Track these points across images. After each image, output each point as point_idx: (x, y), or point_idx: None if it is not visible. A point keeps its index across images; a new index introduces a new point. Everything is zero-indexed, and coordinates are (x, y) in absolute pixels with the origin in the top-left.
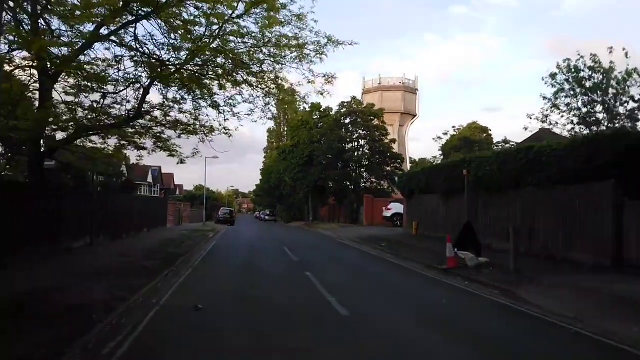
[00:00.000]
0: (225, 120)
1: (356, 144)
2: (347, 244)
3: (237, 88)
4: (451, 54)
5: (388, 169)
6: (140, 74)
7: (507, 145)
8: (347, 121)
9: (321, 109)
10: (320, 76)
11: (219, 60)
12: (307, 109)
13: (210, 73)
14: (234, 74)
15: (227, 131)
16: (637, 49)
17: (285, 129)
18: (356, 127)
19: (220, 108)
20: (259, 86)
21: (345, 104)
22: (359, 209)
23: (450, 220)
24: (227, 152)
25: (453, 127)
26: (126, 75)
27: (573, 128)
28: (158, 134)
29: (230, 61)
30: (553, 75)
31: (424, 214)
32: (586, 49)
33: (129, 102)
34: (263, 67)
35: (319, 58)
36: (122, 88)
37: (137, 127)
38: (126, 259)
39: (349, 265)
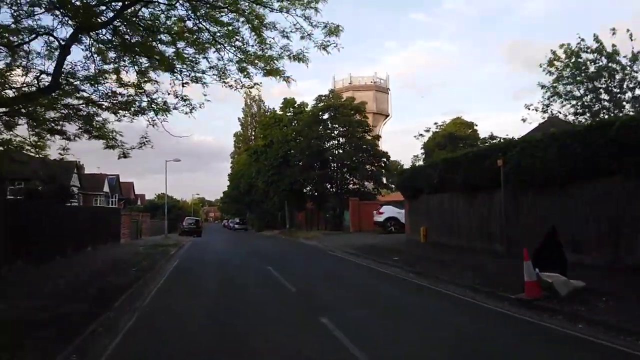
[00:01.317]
0: (182, 85)
1: (336, 141)
2: (344, 258)
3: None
4: (411, 59)
5: (372, 168)
6: (56, 25)
7: (495, 141)
8: (326, 117)
9: (295, 105)
10: (321, 26)
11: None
12: (280, 105)
13: (162, 29)
14: (197, 31)
15: (187, 103)
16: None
17: (253, 130)
18: (336, 123)
19: (176, 69)
20: (231, 42)
21: (323, 98)
22: (342, 213)
23: (475, 224)
24: (191, 160)
25: (435, 123)
26: (35, 25)
27: (577, 117)
28: (88, 115)
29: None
30: (551, 62)
31: (435, 218)
32: (541, 53)
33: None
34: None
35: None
36: (28, 45)
37: (57, 106)
38: (27, 304)
39: (372, 296)
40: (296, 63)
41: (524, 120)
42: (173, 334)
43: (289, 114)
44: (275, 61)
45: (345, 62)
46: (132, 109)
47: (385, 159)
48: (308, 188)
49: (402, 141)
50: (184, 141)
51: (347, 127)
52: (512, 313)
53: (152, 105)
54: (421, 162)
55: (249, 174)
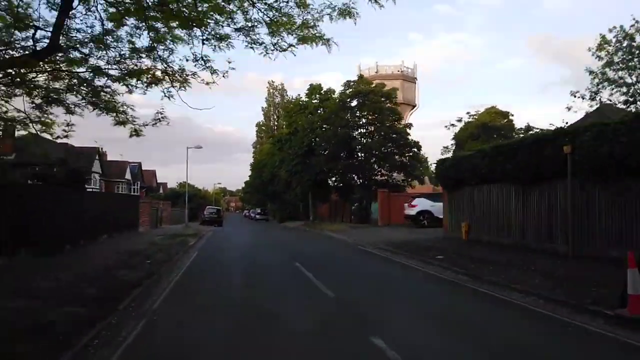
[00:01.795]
0: (203, 42)
1: (364, 130)
2: (380, 255)
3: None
4: (435, 52)
5: (402, 159)
6: None
7: (531, 132)
8: (354, 104)
9: (322, 91)
10: None
11: None
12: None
13: None
14: None
15: (208, 66)
16: None
17: (276, 120)
18: (364, 110)
19: (193, 28)
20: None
21: (352, 83)
22: (368, 206)
23: (530, 220)
24: (214, 150)
25: (468, 113)
26: None
27: (628, 106)
28: (93, 85)
29: None
30: (600, 46)
31: (480, 212)
32: (567, 47)
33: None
34: None
35: None
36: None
37: (58, 73)
38: (11, 305)
39: (427, 306)
40: (339, 23)
41: (568, 108)
42: (190, 351)
43: (315, 100)
44: (311, 28)
45: (367, 54)
46: (145, 77)
47: (416, 149)
48: (333, 179)
49: (425, 134)
50: (206, 132)
51: (376, 115)
52: (614, 335)
53: (168, 71)
54: (450, 154)
55: (272, 163)
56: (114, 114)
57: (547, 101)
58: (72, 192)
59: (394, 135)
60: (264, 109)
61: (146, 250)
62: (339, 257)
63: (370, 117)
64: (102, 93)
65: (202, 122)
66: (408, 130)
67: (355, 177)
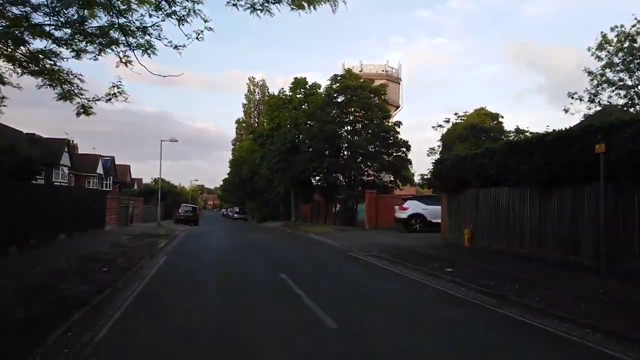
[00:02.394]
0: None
1: (350, 127)
2: (377, 265)
3: None
4: (415, 56)
5: (390, 159)
6: None
7: (522, 136)
8: (341, 99)
9: (307, 85)
10: None
11: None
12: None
13: None
14: None
15: (177, 17)
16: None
17: (257, 118)
18: (352, 107)
19: None
20: None
21: (339, 77)
22: (354, 207)
23: (550, 228)
24: (192, 147)
25: (455, 114)
26: None
27: (627, 109)
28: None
29: None
30: (601, 46)
31: (486, 217)
32: (543, 55)
33: None
34: None
35: None
36: None
37: None
38: None
39: (455, 339)
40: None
41: (566, 110)
42: None
43: (299, 95)
44: None
45: (349, 56)
46: (96, 37)
47: (404, 149)
48: (317, 178)
49: (406, 136)
50: (184, 128)
51: (364, 112)
52: None
53: (125, 28)
54: (437, 156)
55: (252, 160)
56: (58, 84)
57: (523, 108)
58: (21, 184)
59: (382, 134)
60: (244, 105)
61: (107, 254)
62: (331, 267)
63: (357, 114)
64: (43, 58)
65: (180, 118)
66: (397, 128)
67: (341, 177)
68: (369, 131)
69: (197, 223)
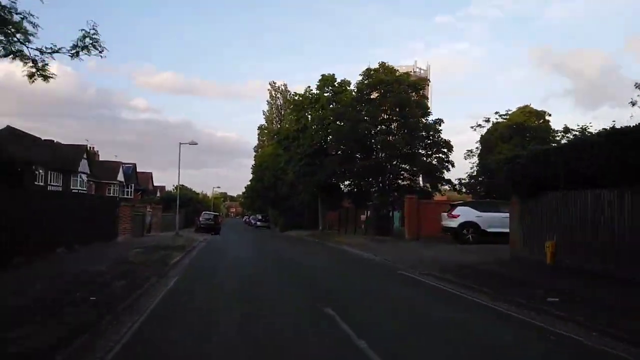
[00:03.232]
0: None
1: (385, 126)
2: (442, 288)
3: None
4: (436, 62)
5: (429, 160)
6: None
7: (570, 136)
8: (374, 95)
9: (335, 83)
10: None
11: None
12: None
13: None
14: None
15: None
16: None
17: (279, 121)
18: (386, 104)
19: None
20: None
21: (372, 72)
22: (389, 214)
23: None
24: (214, 156)
25: (496, 112)
26: None
27: None
28: None
29: None
30: None
31: (572, 227)
32: (569, 57)
33: None
34: None
35: None
36: None
37: None
38: None
39: None
40: None
41: (633, 103)
42: None
43: (327, 93)
44: None
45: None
46: None
47: (446, 149)
48: (346, 183)
49: None
50: (206, 137)
51: (400, 109)
52: None
53: None
54: (475, 158)
55: (275, 166)
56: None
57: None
58: (5, 189)
59: (421, 133)
60: (265, 112)
61: (104, 275)
62: (388, 295)
63: (392, 112)
64: None
65: (202, 127)
66: (439, 127)
67: (373, 181)
68: (405, 130)
69: (218, 232)
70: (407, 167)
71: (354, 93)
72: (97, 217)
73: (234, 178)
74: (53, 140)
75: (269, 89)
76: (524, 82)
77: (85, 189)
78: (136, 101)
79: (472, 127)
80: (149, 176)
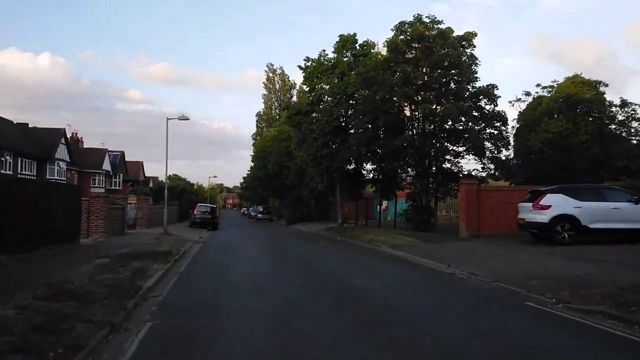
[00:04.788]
0: None
1: (428, 93)
2: None
3: None
4: None
5: (484, 136)
6: None
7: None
8: (411, 55)
9: (357, 45)
10: None
11: None
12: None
13: None
14: None
15: None
16: (618, 48)
17: (277, 106)
18: (428, 64)
19: None
20: None
21: (407, 24)
22: (428, 206)
23: None
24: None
25: (538, 85)
26: None
27: None
28: None
29: None
30: None
31: None
32: (565, 47)
33: None
34: None
35: None
36: None
37: None
38: None
39: None
40: None
41: None
42: None
43: (346, 56)
44: None
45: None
46: None
47: (501, 124)
48: (369, 167)
49: None
50: (202, 128)
51: (447, 70)
52: None
53: None
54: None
55: (280, 150)
56: None
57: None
58: None
59: (477, 103)
60: (264, 96)
61: None
62: None
63: (438, 74)
64: None
65: (198, 119)
66: (494, 91)
67: (412, 163)
68: (453, 97)
69: (216, 227)
70: (459, 145)
71: (380, 56)
72: (49, 211)
73: (230, 169)
74: (27, 124)
75: (265, 71)
76: (520, 70)
77: (64, 178)
78: (131, 93)
79: (510, 102)
80: (139, 166)
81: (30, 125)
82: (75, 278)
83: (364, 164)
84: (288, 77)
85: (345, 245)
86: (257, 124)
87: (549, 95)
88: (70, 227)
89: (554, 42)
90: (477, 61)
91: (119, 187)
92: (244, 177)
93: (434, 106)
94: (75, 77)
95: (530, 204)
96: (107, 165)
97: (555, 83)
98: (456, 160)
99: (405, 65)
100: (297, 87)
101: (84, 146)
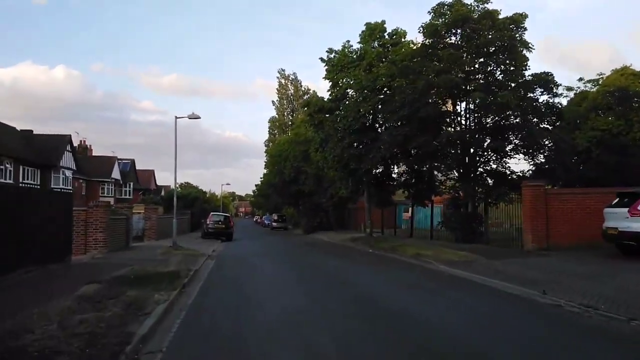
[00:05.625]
0: None
1: (479, 76)
2: None
3: None
4: None
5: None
6: None
7: None
8: (453, 40)
9: (386, 34)
10: None
11: None
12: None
13: None
14: None
15: None
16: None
17: (290, 112)
18: (471, 51)
19: None
20: None
21: (446, 6)
22: (475, 213)
23: None
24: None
25: (580, 79)
26: None
27: None
28: None
29: None
30: None
31: None
32: (575, 49)
33: None
34: None
35: None
36: None
37: None
38: None
39: None
40: None
41: None
42: None
43: (374, 46)
44: None
45: None
46: None
47: (555, 118)
48: (397, 170)
49: None
50: (214, 137)
51: (496, 56)
52: None
53: None
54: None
55: (297, 155)
56: None
57: None
58: None
59: (531, 93)
60: (275, 102)
61: None
62: None
63: (481, 62)
64: None
65: (210, 127)
66: (553, 84)
67: (451, 164)
68: (494, 89)
69: (230, 237)
70: (505, 143)
71: (413, 45)
72: (28, 224)
73: (242, 178)
74: (32, 131)
75: (277, 77)
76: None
77: (70, 187)
78: (144, 103)
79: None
80: (150, 174)
81: (33, 131)
82: (38, 323)
83: (394, 166)
84: (300, 83)
85: (385, 261)
86: (269, 131)
87: (595, 89)
88: (58, 242)
89: (565, 44)
90: (529, 45)
91: (129, 196)
92: (256, 185)
93: (488, 95)
94: (89, 88)
95: (624, 210)
96: (116, 174)
97: (601, 76)
98: (502, 160)
99: (449, 49)
100: (311, 93)
101: (94, 155)
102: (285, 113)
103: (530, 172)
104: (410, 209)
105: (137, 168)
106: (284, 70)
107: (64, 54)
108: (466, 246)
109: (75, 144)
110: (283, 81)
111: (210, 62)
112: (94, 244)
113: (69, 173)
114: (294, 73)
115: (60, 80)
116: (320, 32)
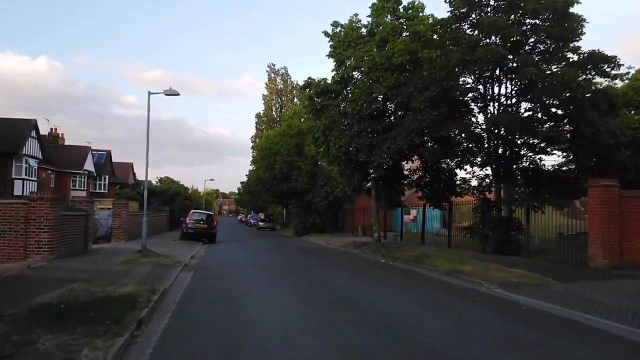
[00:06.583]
0: None
1: (526, 47)
2: None
3: None
4: None
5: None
6: None
7: None
8: (493, 2)
9: (401, 6)
10: None
11: None
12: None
13: None
14: None
15: None
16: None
17: (279, 107)
18: (514, 20)
19: None
20: None
21: None
22: (511, 219)
23: None
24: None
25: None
26: None
27: None
28: None
29: None
30: None
31: None
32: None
33: None
34: None
35: None
36: None
37: None
38: None
39: None
40: None
41: None
42: None
43: (387, 19)
44: None
45: None
46: None
47: (610, 107)
48: (407, 166)
49: None
50: (199, 134)
51: (544, 25)
52: None
53: None
54: None
55: (288, 148)
56: None
57: None
58: None
59: (586, 74)
60: (264, 96)
61: None
62: None
63: (528, 28)
64: None
65: (195, 124)
66: (606, 64)
67: (477, 153)
68: (561, 53)
69: (213, 239)
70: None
71: (434, 19)
72: None
73: (226, 176)
74: None
75: (267, 71)
76: None
77: (35, 178)
78: (127, 98)
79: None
80: (128, 167)
81: None
82: None
83: (406, 162)
84: (290, 78)
85: (413, 280)
86: (256, 126)
87: (626, 83)
88: None
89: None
90: (583, 20)
91: (104, 190)
92: (242, 182)
93: (541, 72)
94: (71, 81)
95: None
96: (89, 166)
97: (631, 69)
98: (537, 156)
99: (489, 16)
100: (299, 89)
101: (65, 144)
102: (273, 108)
103: (573, 168)
104: (411, 211)
105: (115, 161)
106: (274, 65)
107: (45, 45)
108: (506, 259)
109: (46, 132)
110: (272, 75)
111: (195, 59)
112: (36, 247)
113: (33, 162)
114: (284, 67)
115: (42, 71)
116: (313, 29)
